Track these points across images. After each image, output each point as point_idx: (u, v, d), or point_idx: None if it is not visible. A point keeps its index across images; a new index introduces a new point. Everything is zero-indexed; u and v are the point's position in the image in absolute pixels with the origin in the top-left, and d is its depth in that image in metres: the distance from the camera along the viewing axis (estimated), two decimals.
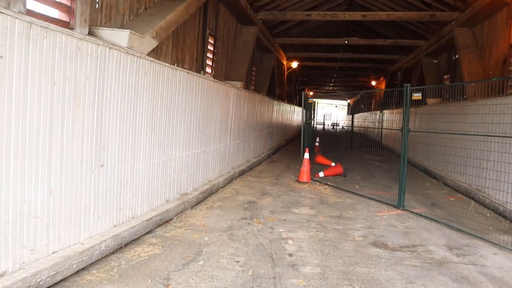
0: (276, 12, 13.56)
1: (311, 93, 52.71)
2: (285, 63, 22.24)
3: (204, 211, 6.59)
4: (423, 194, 9.02)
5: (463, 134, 8.54)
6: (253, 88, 15.86)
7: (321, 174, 10.87)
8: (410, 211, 7.26)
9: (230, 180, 9.29)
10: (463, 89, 12.18)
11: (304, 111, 10.52)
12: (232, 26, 12.24)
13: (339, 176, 11.08)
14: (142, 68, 5.00)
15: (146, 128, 5.24)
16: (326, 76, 38.44)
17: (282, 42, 18.05)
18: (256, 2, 12.89)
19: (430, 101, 14.73)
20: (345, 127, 50.55)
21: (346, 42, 17.16)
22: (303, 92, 9.97)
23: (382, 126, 21.99)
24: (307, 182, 9.80)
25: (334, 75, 36.78)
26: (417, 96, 7.49)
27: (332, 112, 67.46)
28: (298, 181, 9.93)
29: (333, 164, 13.08)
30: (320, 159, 13.34)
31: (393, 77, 25.89)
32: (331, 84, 47.44)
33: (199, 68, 9.49)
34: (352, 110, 49.55)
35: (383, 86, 31.10)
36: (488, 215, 7.34)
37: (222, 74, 11.51)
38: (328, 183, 9.71)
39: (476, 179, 8.87)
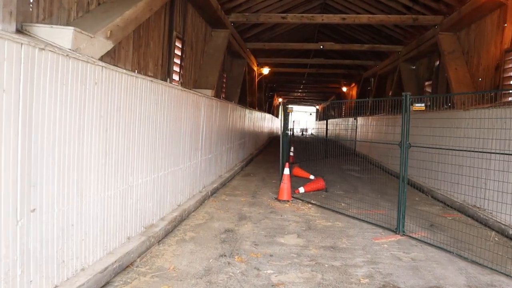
0: (249, 14, 12.60)
1: (280, 100, 52.23)
2: (256, 69, 21.32)
3: (174, 246, 5.47)
4: (416, 212, 8.20)
5: (472, 151, 7.78)
6: (223, 96, 14.81)
7: (302, 189, 9.93)
8: (410, 236, 6.39)
9: (202, 201, 8.19)
10: (448, 97, 11.57)
11: (283, 121, 9.56)
12: (201, 29, 11.17)
13: (321, 191, 10.17)
14: (91, 76, 3.88)
15: (97, 153, 4.11)
16: (295, 83, 37.81)
17: (253, 47, 17.11)
18: (227, 3, 11.88)
19: (414, 107, 14.08)
20: (313, 134, 50.15)
21: (322, 47, 16.40)
22: (280, 101, 8.99)
23: (356, 133, 21.38)
24: (288, 201, 8.82)
25: (304, 81, 36.19)
26: (419, 106, 6.58)
27: (300, 119, 67.18)
28: (278, 199, 8.93)
29: (311, 176, 12.21)
30: (298, 171, 12.42)
31: (366, 83, 25.41)
32: (300, 90, 46.91)
33: (165, 75, 8.38)
34: (322, 117, 49.25)
35: (354, 92, 30.69)
36: (496, 239, 6.55)
37: (191, 82, 10.41)
38: (311, 201, 8.76)
39: (472, 192, 8.16)
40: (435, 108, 11.81)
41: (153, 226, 5.71)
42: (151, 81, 5.36)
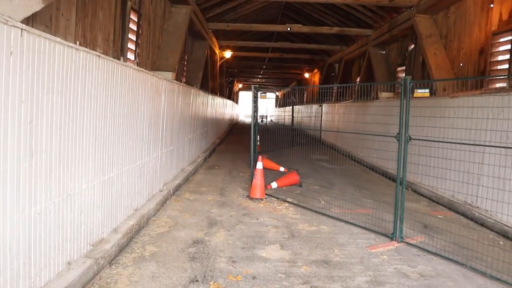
0: None
1: (240, 86, 50.98)
2: (217, 52, 20.00)
3: (130, 268, 4.30)
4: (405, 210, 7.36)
5: (462, 144, 7.02)
6: (184, 80, 13.50)
7: (274, 185, 8.94)
8: (408, 243, 5.53)
9: (163, 202, 7.01)
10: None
11: (255, 108, 8.45)
12: (160, 3, 9.81)
13: (295, 185, 9.22)
14: (1, 41, 2.62)
15: (17, 154, 2.87)
16: (256, 68, 36.69)
17: (216, 28, 15.77)
18: None
19: (383, 95, 13.39)
20: (273, 121, 49.41)
21: (289, 29, 15.34)
22: (253, 86, 7.91)
23: (321, 121, 20.60)
24: (262, 199, 7.80)
25: (264, 67, 35.12)
26: (422, 92, 5.63)
27: (260, 105, 66.19)
28: (250, 197, 7.89)
29: (282, 168, 11.26)
30: (266, 162, 11.37)
31: (330, 69, 24.67)
32: (260, 76, 45.82)
33: (118, 53, 7.06)
34: (282, 103, 48.44)
35: (317, 78, 29.99)
36: (501, 242, 5.82)
37: (149, 63, 9.09)
38: (288, 200, 7.78)
39: (463, 189, 7.46)
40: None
41: (103, 241, 4.51)
42: (98, 56, 4.10)
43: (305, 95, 33.32)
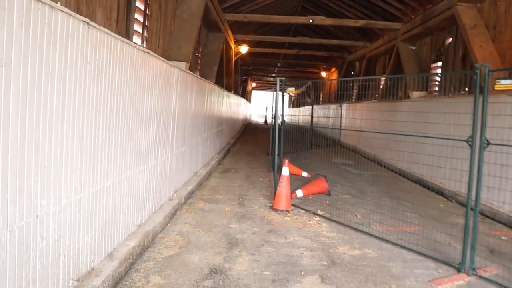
0: None
1: (254, 85, 49.84)
2: (233, 47, 18.87)
3: None
4: (456, 227, 6.12)
5: None
6: (198, 74, 12.39)
7: (299, 193, 7.82)
8: (481, 276, 4.34)
9: (173, 214, 5.90)
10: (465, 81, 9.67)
11: (279, 105, 7.29)
12: None
13: (323, 194, 8.07)
14: None
15: None
16: (270, 65, 35.49)
17: (232, 19, 14.62)
18: None
19: (415, 94, 12.18)
20: (286, 121, 47.92)
21: (311, 21, 14.14)
22: (278, 79, 6.78)
23: (341, 122, 19.36)
24: (288, 211, 6.66)
25: (279, 64, 33.91)
26: (507, 84, 4.38)
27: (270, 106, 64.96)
28: (273, 208, 6.75)
29: (304, 173, 10.10)
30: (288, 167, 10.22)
31: (349, 67, 23.39)
32: (273, 75, 44.56)
33: (122, 36, 5.95)
34: (296, 104, 47.16)
35: (334, 77, 28.75)
36: None
37: (159, 51, 8.01)
38: (318, 212, 6.63)
39: None
40: (448, 93, 9.92)
41: (93, 273, 3.40)
42: (87, 24, 2.99)
43: (321, 94, 32.07)
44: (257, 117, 53.97)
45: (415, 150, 10.33)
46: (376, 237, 5.52)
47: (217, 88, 11.44)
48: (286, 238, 5.31)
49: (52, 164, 2.72)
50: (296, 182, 8.50)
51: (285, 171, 6.81)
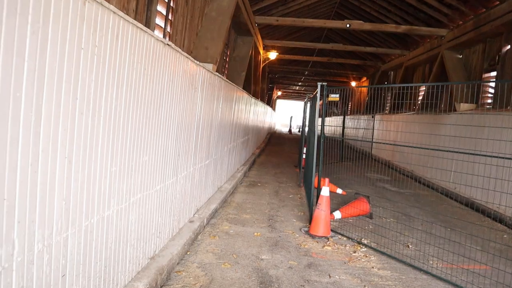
0: None
1: (279, 93, 48.96)
2: (262, 52, 18.04)
3: None
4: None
5: None
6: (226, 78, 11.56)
7: (337, 214, 6.85)
8: None
9: (194, 239, 5.01)
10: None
11: (322, 113, 6.33)
12: None
13: (363, 216, 7.08)
14: None
15: None
16: (297, 74, 34.55)
17: (263, 22, 13.74)
18: None
19: (462, 106, 11.04)
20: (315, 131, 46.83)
21: (348, 25, 13.15)
22: (319, 84, 5.84)
23: (373, 134, 18.25)
24: (327, 238, 5.68)
25: (306, 73, 32.93)
26: None
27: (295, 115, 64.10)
28: (310, 233, 5.79)
29: (339, 190, 9.10)
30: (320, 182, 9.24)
31: (383, 77, 22.24)
32: (300, 84, 43.60)
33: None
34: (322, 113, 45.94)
35: (365, 88, 27.55)
36: None
37: (184, 51, 7.16)
38: (363, 241, 5.63)
39: None
40: (507, 106, 8.79)
41: None
42: (95, 1, 2.13)
43: (350, 105, 30.92)
44: (281, 126, 53.07)
45: (464, 168, 9.20)
46: (439, 278, 4.50)
47: (245, 95, 10.57)
48: (330, 277, 4.33)
49: (23, 194, 1.85)
50: (332, 199, 7.54)
51: (325, 191, 5.84)
